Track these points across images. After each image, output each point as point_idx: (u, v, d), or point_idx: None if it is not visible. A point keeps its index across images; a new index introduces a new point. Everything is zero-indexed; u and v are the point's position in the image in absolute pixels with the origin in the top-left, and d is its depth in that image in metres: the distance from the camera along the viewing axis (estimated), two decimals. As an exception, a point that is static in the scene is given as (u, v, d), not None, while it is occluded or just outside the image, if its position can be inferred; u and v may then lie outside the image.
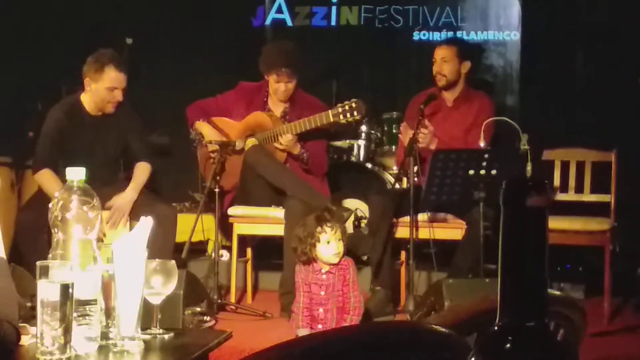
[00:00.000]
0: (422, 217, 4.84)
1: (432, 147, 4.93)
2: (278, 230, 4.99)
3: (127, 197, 4.91)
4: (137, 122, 5.15)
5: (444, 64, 5.22)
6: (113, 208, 4.85)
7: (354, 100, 5.02)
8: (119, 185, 5.02)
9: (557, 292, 1.83)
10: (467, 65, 5.25)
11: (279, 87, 5.25)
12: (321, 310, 4.15)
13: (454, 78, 5.23)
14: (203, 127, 5.34)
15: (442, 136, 5.05)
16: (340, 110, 5.01)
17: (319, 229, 4.16)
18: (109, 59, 4.90)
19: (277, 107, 5.38)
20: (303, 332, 4.08)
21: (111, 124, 5.01)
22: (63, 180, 4.64)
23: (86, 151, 4.90)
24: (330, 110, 5.06)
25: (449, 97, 5.28)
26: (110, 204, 4.83)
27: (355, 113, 4.99)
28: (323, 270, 4.18)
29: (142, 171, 5.04)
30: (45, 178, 4.86)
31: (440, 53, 5.26)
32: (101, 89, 4.89)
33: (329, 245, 4.15)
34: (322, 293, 4.17)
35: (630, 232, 5.25)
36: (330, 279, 4.17)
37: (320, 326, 4.12)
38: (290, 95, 5.31)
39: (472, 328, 1.37)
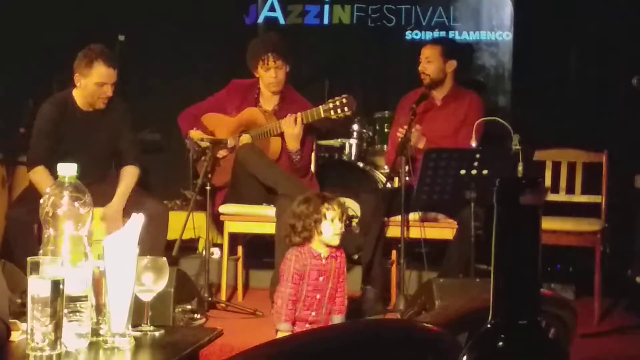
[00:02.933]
0: (413, 216, 4.84)
1: (420, 146, 4.94)
2: (269, 228, 4.97)
3: (115, 206, 4.84)
4: (128, 119, 5.09)
5: (428, 63, 5.21)
6: (107, 221, 4.76)
7: (344, 95, 5.01)
8: (111, 182, 4.96)
9: (548, 291, 1.84)
10: (452, 65, 5.23)
11: (269, 75, 5.21)
12: (318, 296, 3.99)
13: (437, 77, 5.21)
14: (196, 136, 5.28)
15: (432, 135, 5.05)
16: (331, 105, 5.01)
17: (326, 204, 4.00)
18: (98, 54, 4.85)
19: (268, 103, 5.36)
20: (284, 327, 3.92)
21: (103, 119, 4.97)
22: (55, 176, 4.63)
23: (77, 147, 4.85)
24: (321, 106, 5.06)
25: (437, 95, 5.28)
26: (102, 216, 4.73)
27: (346, 109, 4.99)
28: (323, 255, 4.02)
29: (128, 176, 4.96)
30: (39, 176, 4.80)
31: (425, 53, 5.26)
32: (90, 84, 4.85)
33: (333, 224, 3.98)
34: (321, 279, 4.00)
35: (620, 233, 5.26)
36: (329, 264, 4.02)
37: (307, 325, 3.95)
38: (282, 91, 5.30)
39: (463, 327, 1.37)
